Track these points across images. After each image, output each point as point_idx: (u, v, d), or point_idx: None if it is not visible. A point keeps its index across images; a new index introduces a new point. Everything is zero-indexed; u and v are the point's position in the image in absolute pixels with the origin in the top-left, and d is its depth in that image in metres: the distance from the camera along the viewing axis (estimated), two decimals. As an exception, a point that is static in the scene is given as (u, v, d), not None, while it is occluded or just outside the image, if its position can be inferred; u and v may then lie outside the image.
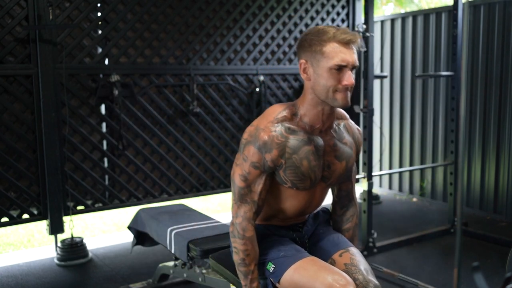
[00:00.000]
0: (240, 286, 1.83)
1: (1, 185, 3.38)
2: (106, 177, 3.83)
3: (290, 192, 1.73)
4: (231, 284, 2.00)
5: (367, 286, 1.64)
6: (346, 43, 1.57)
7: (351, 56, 1.57)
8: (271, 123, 1.64)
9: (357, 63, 1.59)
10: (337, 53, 1.56)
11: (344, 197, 1.92)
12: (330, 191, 1.93)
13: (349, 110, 5.32)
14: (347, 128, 1.80)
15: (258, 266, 1.75)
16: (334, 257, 1.76)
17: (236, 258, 1.70)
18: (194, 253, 2.36)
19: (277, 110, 1.68)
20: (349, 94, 1.61)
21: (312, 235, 1.90)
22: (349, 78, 1.57)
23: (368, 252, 3.48)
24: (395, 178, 5.42)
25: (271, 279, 1.71)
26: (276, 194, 1.75)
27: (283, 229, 1.84)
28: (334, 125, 1.75)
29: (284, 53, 4.52)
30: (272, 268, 1.70)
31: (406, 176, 5.29)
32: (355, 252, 1.77)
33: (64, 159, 3.56)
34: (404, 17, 5.15)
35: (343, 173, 1.77)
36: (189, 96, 4.04)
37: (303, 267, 1.64)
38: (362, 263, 1.72)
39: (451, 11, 4.41)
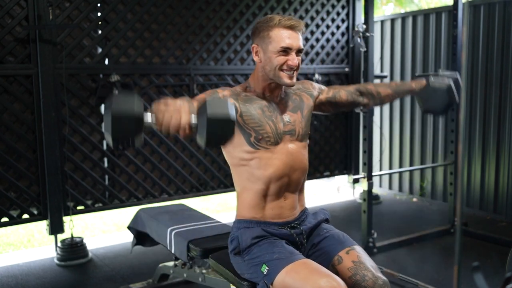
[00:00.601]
0: (241, 286, 1.83)
1: (1, 185, 3.37)
2: (106, 177, 3.83)
3: (265, 154, 1.80)
4: (231, 284, 2.00)
5: (377, 282, 1.67)
6: (290, 28, 1.75)
7: (295, 40, 1.76)
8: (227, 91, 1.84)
9: (301, 46, 1.78)
10: (282, 37, 1.75)
11: (359, 95, 2.06)
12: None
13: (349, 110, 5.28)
14: (293, 91, 1.96)
15: (253, 267, 1.76)
16: (341, 254, 1.78)
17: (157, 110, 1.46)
18: (194, 253, 2.36)
19: (232, 88, 1.90)
20: (294, 74, 1.80)
21: (314, 234, 1.91)
22: (293, 59, 1.76)
23: (368, 252, 3.43)
24: (395, 178, 5.42)
25: (265, 281, 1.71)
26: (257, 163, 1.81)
27: (280, 226, 1.85)
28: (283, 91, 1.92)
29: (284, 53, 4.52)
30: (266, 270, 1.71)
31: (406, 176, 5.29)
32: (360, 250, 1.80)
33: (64, 159, 3.56)
34: (404, 17, 5.16)
35: (303, 121, 1.91)
36: (189, 96, 4.04)
37: (294, 270, 1.64)
38: (368, 261, 1.76)
39: (451, 11, 4.41)
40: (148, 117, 1.44)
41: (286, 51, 1.75)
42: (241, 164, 1.84)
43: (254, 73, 1.87)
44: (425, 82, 2.10)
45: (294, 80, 1.80)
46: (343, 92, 2.04)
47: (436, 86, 2.05)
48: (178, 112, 1.43)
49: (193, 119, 1.45)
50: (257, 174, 1.82)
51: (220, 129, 1.41)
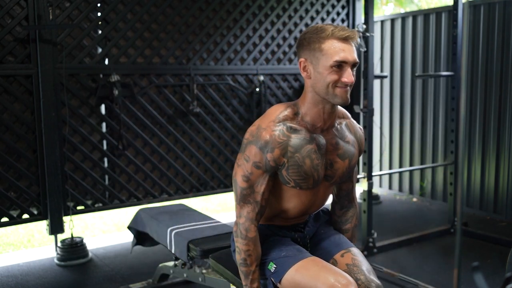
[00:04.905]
0: (241, 286, 1.83)
1: (1, 185, 3.37)
2: (106, 177, 3.83)
3: (293, 191, 1.72)
4: (231, 284, 2.00)
5: (369, 286, 1.65)
6: (345, 39, 1.57)
7: (351, 53, 1.58)
8: (273, 123, 1.64)
9: (357, 60, 1.59)
10: (336, 50, 1.56)
11: (344, 197, 1.91)
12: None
13: (349, 110, 5.32)
14: (349, 127, 1.79)
15: (259, 266, 1.75)
16: (336, 257, 1.77)
17: (238, 257, 1.71)
18: (194, 253, 2.36)
19: (279, 110, 1.67)
20: (349, 91, 1.61)
21: (313, 235, 1.90)
22: (349, 75, 1.58)
23: (368, 252, 3.48)
24: (395, 178, 5.42)
25: (272, 279, 1.71)
26: (279, 194, 1.74)
27: (285, 229, 1.84)
28: (336, 124, 1.74)
29: (284, 53, 4.52)
30: (274, 268, 1.70)
31: (406, 176, 5.29)
32: (356, 253, 1.77)
33: (64, 159, 3.56)
34: (404, 17, 5.15)
35: (346, 172, 1.77)
36: (189, 96, 4.04)
37: (304, 267, 1.63)
38: (363, 264, 1.72)
39: (451, 11, 4.41)
40: None
41: (340, 65, 1.56)
42: None
43: (304, 95, 1.67)
44: None
45: (349, 97, 1.61)
46: (349, 188, 1.90)
47: None
48: None
49: None
50: (275, 201, 1.76)
51: None
